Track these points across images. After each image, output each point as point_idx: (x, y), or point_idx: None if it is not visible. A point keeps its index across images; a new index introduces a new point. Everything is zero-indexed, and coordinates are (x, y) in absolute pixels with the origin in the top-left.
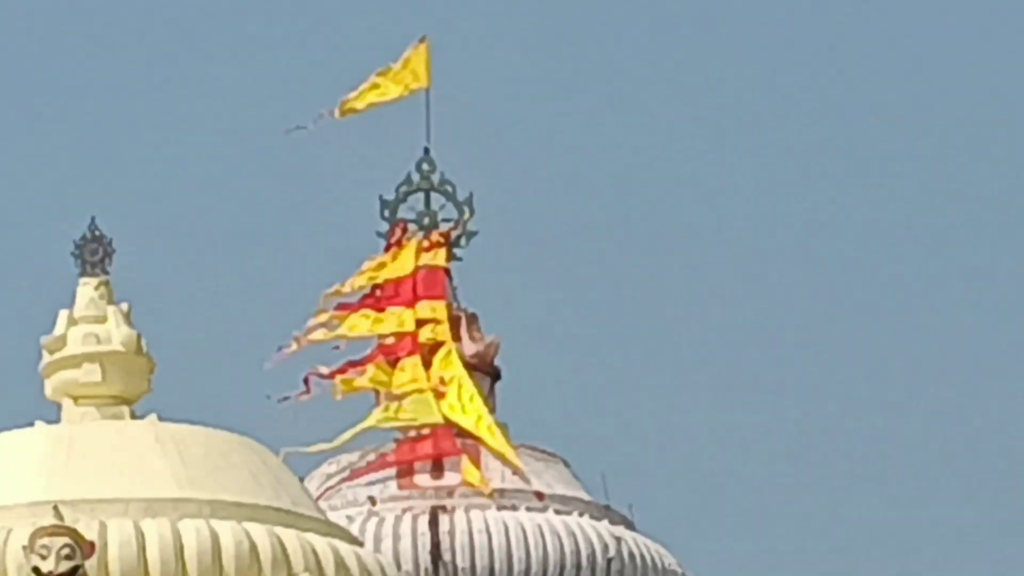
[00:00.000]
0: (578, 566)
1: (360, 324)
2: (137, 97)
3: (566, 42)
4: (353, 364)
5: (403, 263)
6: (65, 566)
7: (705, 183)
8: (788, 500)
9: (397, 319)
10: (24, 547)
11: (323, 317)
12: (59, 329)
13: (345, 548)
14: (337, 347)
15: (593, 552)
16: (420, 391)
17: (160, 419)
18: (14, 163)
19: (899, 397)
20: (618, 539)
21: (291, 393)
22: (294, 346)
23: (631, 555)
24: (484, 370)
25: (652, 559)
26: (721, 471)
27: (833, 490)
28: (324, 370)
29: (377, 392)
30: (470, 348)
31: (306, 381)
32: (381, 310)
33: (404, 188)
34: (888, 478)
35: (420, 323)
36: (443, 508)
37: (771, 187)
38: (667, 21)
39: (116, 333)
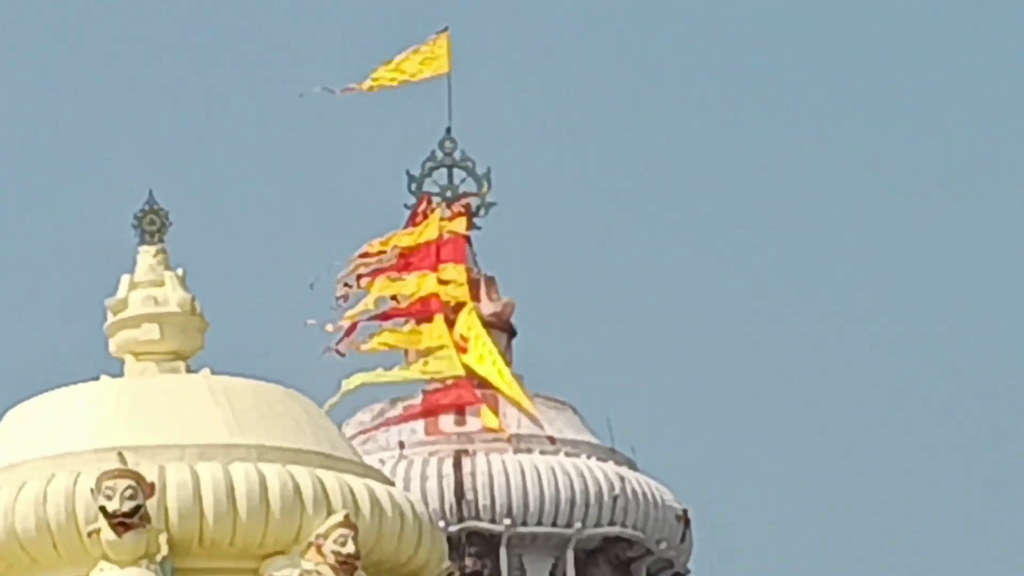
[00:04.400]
0: (586, 503)
1: (386, 287)
2: (186, 82)
3: (577, 31)
4: (380, 317)
5: (428, 232)
6: (128, 506)
7: (721, 155)
8: (788, 440)
9: (418, 281)
10: (91, 489)
11: (358, 269)
12: (122, 292)
13: (379, 488)
14: (373, 312)
15: (600, 490)
16: (444, 347)
17: (213, 373)
18: (81, 144)
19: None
20: (622, 478)
21: (330, 345)
22: (346, 291)
23: (634, 493)
24: (501, 328)
25: (653, 496)
26: (719, 415)
27: (833, 432)
28: (345, 324)
29: (406, 349)
30: (488, 308)
31: (345, 335)
32: (407, 272)
33: (429, 164)
34: (874, 414)
35: (442, 283)
36: (465, 452)
37: (804, 152)
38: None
39: (172, 296)
